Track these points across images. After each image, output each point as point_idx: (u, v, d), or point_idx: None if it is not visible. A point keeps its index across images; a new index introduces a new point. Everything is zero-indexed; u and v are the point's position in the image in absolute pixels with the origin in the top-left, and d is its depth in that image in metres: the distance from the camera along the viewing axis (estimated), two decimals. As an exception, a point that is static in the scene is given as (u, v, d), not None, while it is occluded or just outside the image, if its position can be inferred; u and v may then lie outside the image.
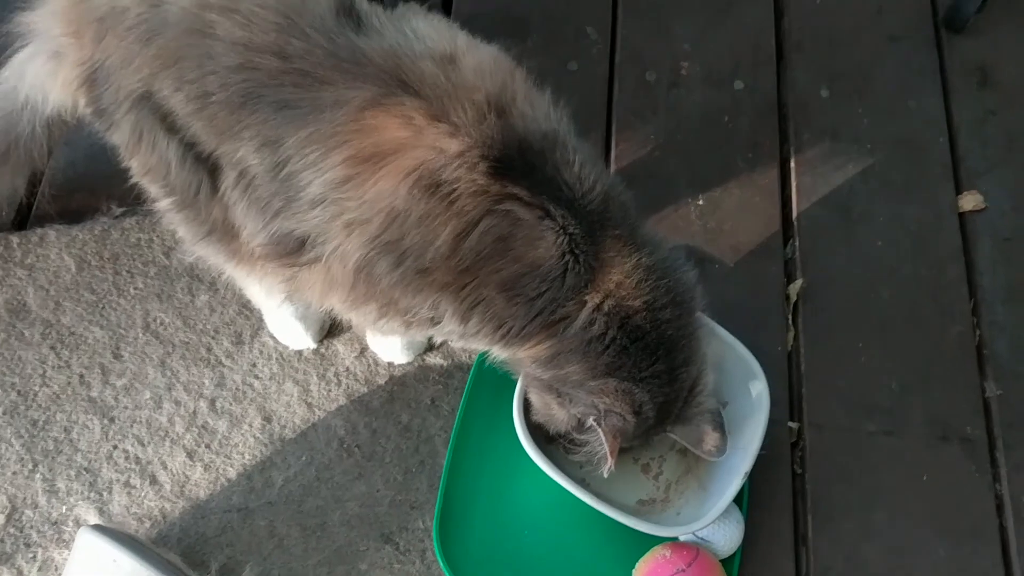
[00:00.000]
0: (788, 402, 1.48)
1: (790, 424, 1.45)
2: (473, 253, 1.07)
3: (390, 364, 1.47)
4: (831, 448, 1.44)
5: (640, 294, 1.12)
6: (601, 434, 1.15)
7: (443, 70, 1.07)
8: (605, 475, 1.19)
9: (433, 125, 1.04)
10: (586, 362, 1.14)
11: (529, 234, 1.07)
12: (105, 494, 1.36)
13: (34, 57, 1.26)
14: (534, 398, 1.26)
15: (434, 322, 1.15)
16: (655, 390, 1.16)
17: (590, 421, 1.17)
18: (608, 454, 1.15)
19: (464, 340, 1.19)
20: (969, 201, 1.66)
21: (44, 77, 1.26)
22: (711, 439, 1.22)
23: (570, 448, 1.25)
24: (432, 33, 1.12)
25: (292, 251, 1.14)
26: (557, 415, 1.23)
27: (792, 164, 1.69)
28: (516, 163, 1.06)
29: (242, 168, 1.12)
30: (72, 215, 1.57)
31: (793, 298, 1.56)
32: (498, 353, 1.20)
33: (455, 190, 1.04)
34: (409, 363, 1.47)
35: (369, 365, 1.46)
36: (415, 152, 1.04)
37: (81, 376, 1.44)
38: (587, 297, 1.11)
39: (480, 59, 1.11)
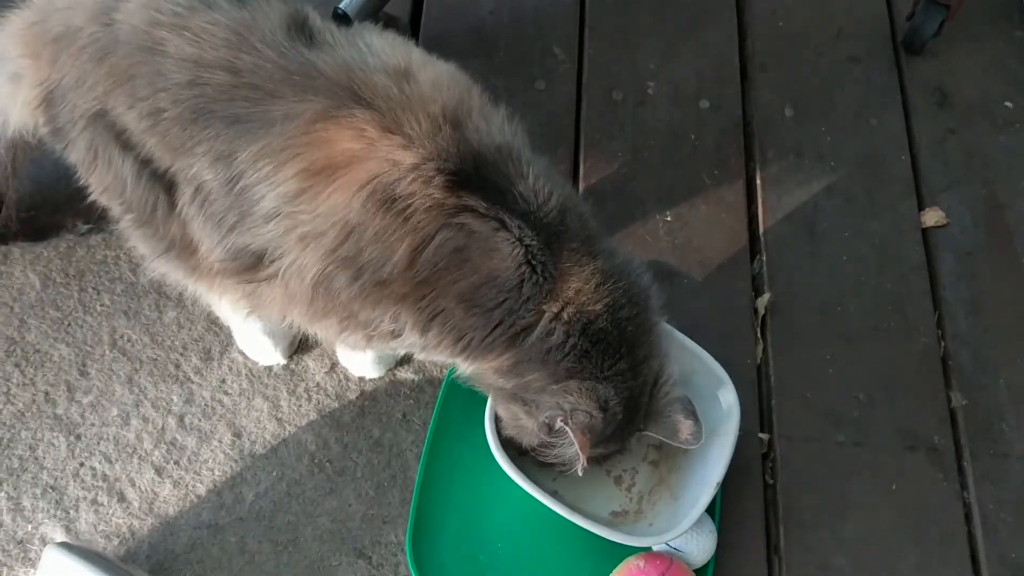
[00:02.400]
0: (758, 414, 1.49)
1: (760, 435, 1.47)
2: (430, 265, 1.07)
3: (361, 379, 1.46)
4: (801, 458, 1.45)
5: (600, 298, 1.13)
6: (570, 432, 1.15)
7: (397, 83, 1.08)
8: (580, 474, 1.19)
9: (386, 137, 1.04)
10: (546, 368, 1.15)
11: (484, 246, 1.07)
12: (72, 512, 1.33)
13: None
14: (502, 411, 1.26)
15: (395, 335, 1.15)
16: (619, 385, 1.16)
17: (558, 422, 1.17)
18: (579, 451, 1.15)
19: (427, 352, 1.19)
20: (931, 217, 1.70)
21: (3, 99, 1.26)
22: (685, 427, 1.23)
23: (542, 453, 1.25)
24: (386, 48, 1.13)
25: (249, 266, 1.14)
26: (526, 425, 1.23)
27: (758, 181, 1.72)
28: (471, 176, 1.06)
29: (197, 184, 1.12)
30: (37, 232, 1.55)
31: (761, 312, 1.58)
32: (462, 367, 1.20)
33: (410, 205, 1.04)
34: (380, 378, 1.46)
35: (340, 380, 1.46)
36: (368, 165, 1.04)
37: (46, 393, 1.42)
38: (545, 307, 1.12)
39: (437, 73, 1.12)
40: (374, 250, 1.06)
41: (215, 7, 1.11)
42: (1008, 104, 1.83)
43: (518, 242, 1.07)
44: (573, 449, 1.16)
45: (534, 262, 1.09)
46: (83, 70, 1.13)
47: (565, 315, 1.12)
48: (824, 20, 1.93)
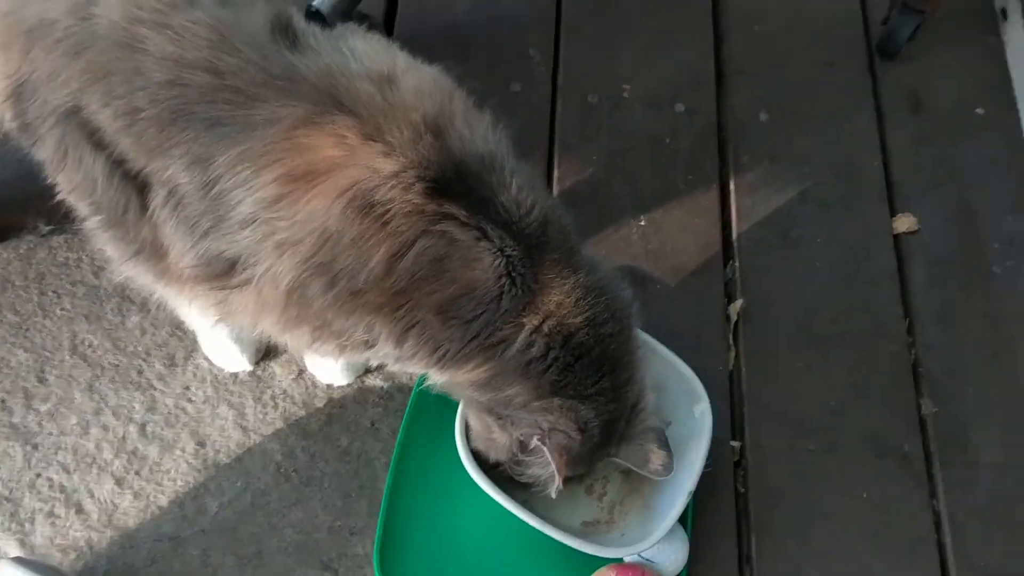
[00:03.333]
0: (730, 421, 1.48)
1: (732, 443, 1.46)
2: (408, 274, 1.05)
3: (329, 386, 1.44)
4: (772, 467, 1.45)
5: (580, 311, 1.11)
6: (547, 452, 1.13)
7: (380, 89, 1.06)
8: (553, 495, 1.18)
9: (367, 144, 1.02)
10: (527, 382, 1.13)
11: (465, 255, 1.05)
12: (27, 525, 1.30)
13: None
14: (473, 422, 1.24)
15: (369, 345, 1.13)
16: (600, 407, 1.15)
17: (534, 441, 1.15)
18: (556, 472, 1.14)
19: (401, 363, 1.17)
20: (903, 223, 1.70)
21: None
22: (657, 458, 1.22)
23: (513, 471, 1.23)
24: (370, 52, 1.11)
25: (222, 273, 1.11)
26: (498, 439, 1.21)
27: (732, 186, 1.71)
28: (453, 184, 1.04)
29: (171, 187, 1.09)
30: (-4, 233, 1.52)
31: (733, 318, 1.57)
32: (436, 377, 1.18)
33: (389, 210, 1.02)
34: (348, 385, 1.44)
35: (307, 387, 1.43)
36: (348, 171, 1.02)
37: (3, 401, 1.39)
38: (525, 319, 1.10)
39: (419, 80, 1.10)
40: (349, 256, 1.04)
41: (198, 5, 1.08)
42: (980, 111, 1.83)
43: (499, 252, 1.06)
44: (548, 470, 1.15)
45: (514, 274, 1.07)
46: (57, 64, 1.10)
47: (545, 327, 1.10)
48: (800, 24, 1.92)
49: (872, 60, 1.89)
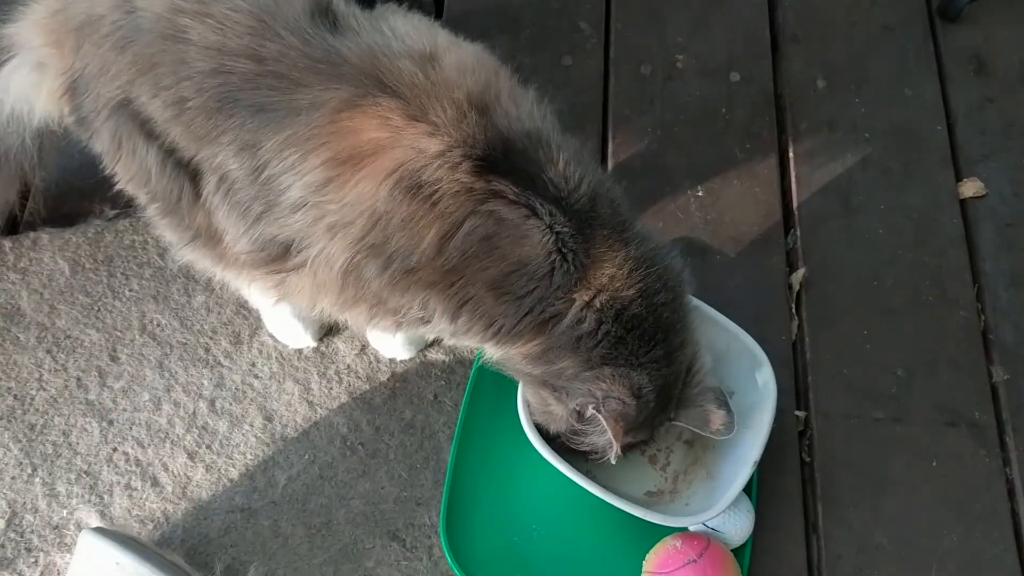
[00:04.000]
0: (794, 391, 1.46)
1: (796, 413, 1.44)
2: (459, 253, 1.05)
3: (391, 361, 1.45)
4: (839, 436, 1.43)
5: (633, 283, 1.11)
6: (603, 420, 1.13)
7: (422, 69, 1.06)
8: (613, 462, 1.18)
9: (412, 124, 1.03)
10: (578, 355, 1.13)
11: (514, 233, 1.05)
12: (106, 497, 1.33)
13: (18, 69, 1.26)
14: (531, 396, 1.25)
15: (424, 321, 1.14)
16: (654, 373, 1.14)
17: (589, 410, 1.15)
18: (612, 439, 1.14)
19: (456, 338, 1.18)
20: (969, 188, 1.66)
21: (29, 89, 1.25)
22: (717, 417, 1.20)
23: (572, 440, 1.23)
24: (411, 32, 1.11)
25: (277, 257, 1.13)
26: (555, 411, 1.21)
27: (791, 154, 1.68)
28: (499, 162, 1.04)
29: (222, 173, 1.11)
30: (65, 218, 1.55)
31: (796, 287, 1.55)
32: (491, 351, 1.19)
33: (437, 191, 1.03)
34: (410, 359, 1.45)
35: (370, 362, 1.45)
36: (394, 153, 1.03)
37: (78, 379, 1.42)
38: (576, 294, 1.10)
39: (462, 57, 1.10)
40: (401, 237, 1.05)
41: None
42: (1048, 70, 1.78)
43: (548, 229, 1.06)
44: (605, 437, 1.15)
45: (564, 250, 1.07)
46: (106, 59, 1.12)
47: (597, 302, 1.10)
48: (857, -12, 1.88)
49: (933, 23, 1.85)
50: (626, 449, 1.25)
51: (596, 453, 1.22)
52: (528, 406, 1.27)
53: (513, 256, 1.06)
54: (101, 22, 1.12)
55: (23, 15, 1.22)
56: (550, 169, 1.07)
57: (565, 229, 1.06)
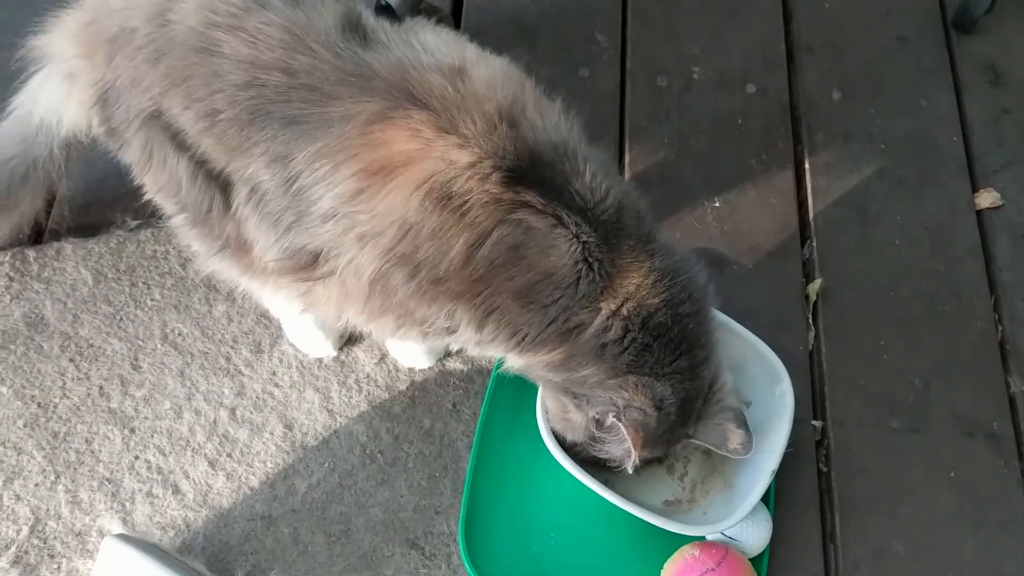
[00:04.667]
0: (811, 401, 1.47)
1: (814, 423, 1.45)
2: (487, 262, 1.06)
3: (411, 370, 1.46)
4: (856, 445, 1.43)
5: (658, 292, 1.12)
6: (622, 428, 1.14)
7: (451, 82, 1.07)
8: (630, 471, 1.18)
9: (442, 137, 1.04)
10: (603, 363, 1.13)
11: (541, 242, 1.06)
12: (128, 504, 1.35)
13: (48, 79, 1.28)
14: (550, 402, 1.25)
15: (450, 331, 1.15)
16: (677, 385, 1.15)
17: (610, 418, 1.16)
18: (631, 449, 1.14)
19: (480, 347, 1.18)
20: (986, 198, 1.66)
21: (58, 99, 1.27)
22: (736, 437, 1.21)
23: (591, 448, 1.23)
24: (440, 46, 1.13)
25: (306, 265, 1.14)
26: (574, 419, 1.22)
27: (807, 165, 1.69)
28: (528, 173, 1.05)
29: (253, 184, 1.12)
30: (88, 228, 1.57)
31: (813, 298, 1.56)
32: (514, 361, 1.20)
33: (467, 201, 1.04)
34: (429, 368, 1.46)
35: (390, 371, 1.46)
36: (425, 164, 1.04)
37: (101, 388, 1.44)
38: (602, 304, 1.11)
39: (490, 71, 1.11)
40: (430, 247, 1.06)
41: (270, 7, 1.11)
42: (1064, 81, 1.79)
43: (575, 239, 1.07)
44: (624, 446, 1.15)
45: (591, 259, 1.08)
46: (138, 71, 1.14)
47: (624, 311, 1.11)
48: (871, 0, 1.89)
49: (947, 34, 1.86)
50: (642, 464, 1.26)
51: (614, 463, 1.22)
52: (547, 413, 1.27)
53: (540, 266, 1.07)
54: (134, 34, 1.14)
55: (54, 27, 1.24)
56: (576, 180, 1.08)
57: (591, 239, 1.07)
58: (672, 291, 1.13)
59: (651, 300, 1.12)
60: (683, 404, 1.17)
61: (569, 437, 1.26)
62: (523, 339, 1.13)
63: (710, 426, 1.21)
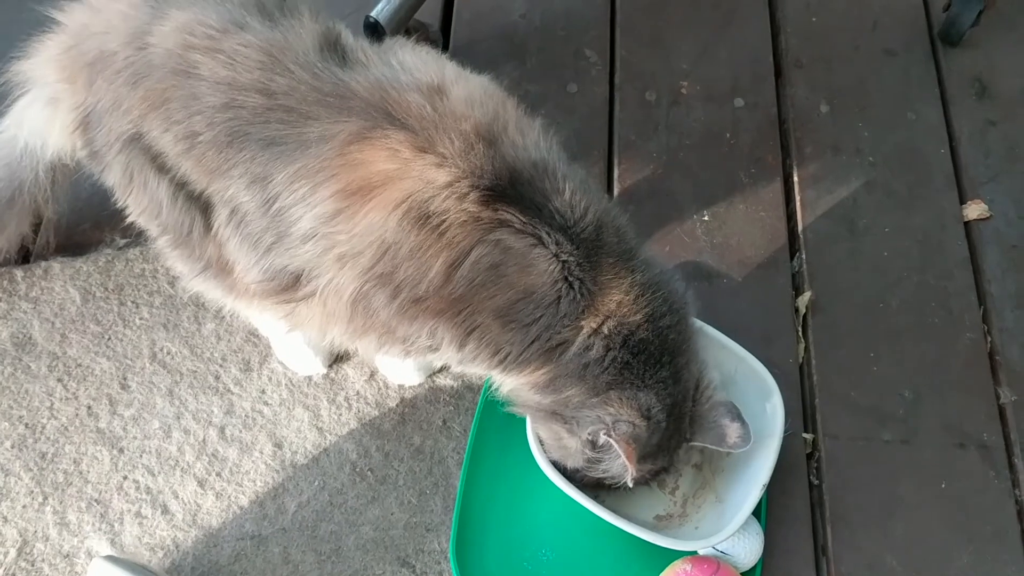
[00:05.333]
0: (802, 413, 1.47)
1: (805, 435, 1.44)
2: (466, 281, 1.06)
3: (400, 386, 1.46)
4: (847, 458, 1.43)
5: (640, 308, 1.12)
6: (614, 444, 1.14)
7: (430, 101, 1.07)
8: (630, 486, 1.18)
9: (420, 156, 1.04)
10: (584, 383, 1.13)
11: (521, 262, 1.07)
12: (116, 525, 1.34)
13: (32, 104, 1.28)
14: (543, 432, 1.25)
15: (432, 348, 1.15)
16: (661, 392, 1.15)
17: (602, 437, 1.16)
18: (626, 463, 1.14)
19: (463, 365, 1.18)
20: (974, 210, 1.67)
21: (42, 123, 1.27)
22: (733, 431, 1.20)
23: (593, 470, 1.23)
24: (419, 64, 1.13)
25: (287, 287, 1.14)
26: (569, 445, 1.21)
27: (795, 178, 1.70)
28: (507, 191, 1.06)
29: (233, 205, 1.12)
30: (76, 247, 1.57)
31: (802, 310, 1.56)
32: (498, 379, 1.20)
33: (445, 220, 1.04)
34: (419, 385, 1.46)
35: (379, 388, 1.45)
36: (403, 184, 1.04)
37: (89, 407, 1.43)
38: (583, 322, 1.11)
39: (470, 89, 1.12)
40: (410, 267, 1.06)
41: (248, 28, 1.11)
42: (1049, 93, 1.80)
43: (555, 258, 1.07)
44: (620, 461, 1.15)
45: (571, 278, 1.08)
46: (118, 94, 1.14)
47: (605, 329, 1.11)
48: (859, 14, 1.90)
49: (935, 47, 1.87)
50: (650, 478, 1.26)
51: (614, 479, 1.22)
52: (542, 445, 1.27)
53: (520, 284, 1.07)
54: (114, 58, 1.14)
55: (37, 51, 1.24)
56: (556, 199, 1.08)
57: (571, 258, 1.08)
58: (653, 305, 1.13)
59: (633, 317, 1.12)
60: (672, 409, 1.17)
61: (569, 464, 1.25)
62: (505, 357, 1.13)
63: (705, 425, 1.21)
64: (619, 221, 1.16)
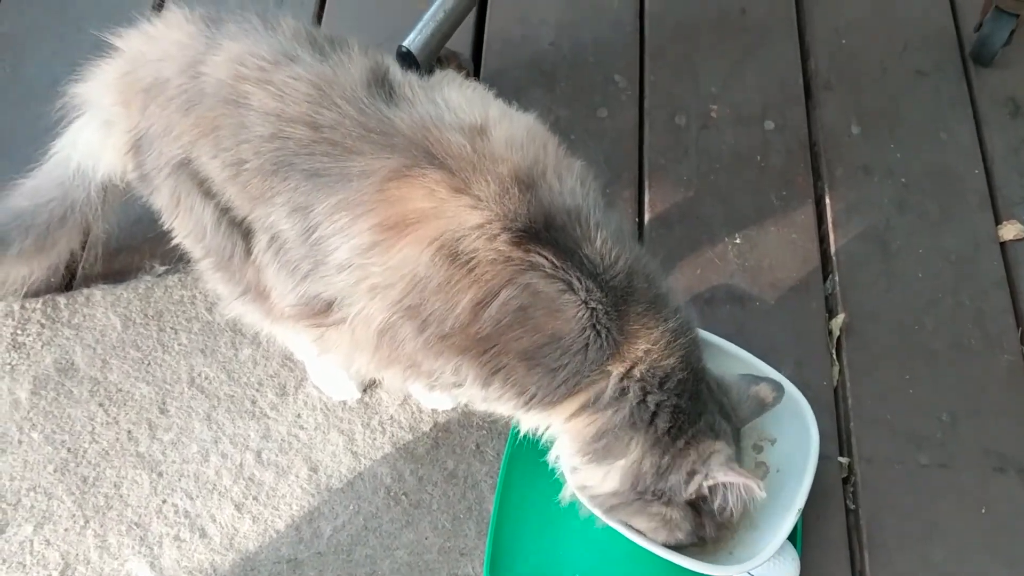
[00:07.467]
0: (837, 436, 1.46)
1: (840, 459, 1.43)
2: (493, 321, 1.08)
3: (433, 411, 1.47)
4: (884, 482, 1.41)
5: (673, 352, 1.13)
6: (725, 478, 1.14)
7: (471, 141, 1.09)
8: (764, 495, 1.16)
9: (456, 197, 1.06)
10: (636, 431, 1.14)
11: (549, 306, 1.08)
12: (156, 548, 1.36)
13: (87, 126, 1.33)
14: (641, 525, 1.23)
15: (456, 385, 1.16)
16: (712, 413, 1.18)
17: (705, 485, 1.15)
18: (744, 481, 1.14)
19: (487, 404, 1.19)
20: (1009, 231, 1.65)
21: (95, 144, 1.32)
22: (764, 391, 1.24)
23: (718, 520, 1.22)
24: (464, 104, 1.15)
25: (319, 312, 1.17)
26: (673, 516, 1.20)
27: (827, 200, 1.69)
28: (540, 235, 1.07)
29: (273, 232, 1.15)
30: (116, 275, 1.60)
31: (836, 333, 1.55)
32: (524, 420, 1.20)
33: (474, 258, 1.06)
34: (452, 409, 1.47)
35: (413, 412, 1.47)
36: (437, 223, 1.06)
37: (129, 432, 1.46)
38: (610, 367, 1.12)
39: (512, 130, 1.13)
40: (437, 301, 1.08)
41: (298, 61, 1.14)
42: (1085, 112, 1.78)
43: (583, 304, 1.08)
44: (736, 491, 1.15)
45: (599, 326, 1.09)
46: (170, 120, 1.17)
47: (636, 372, 1.12)
48: (889, 35, 1.90)
49: (966, 67, 1.86)
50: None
51: (735, 516, 1.22)
52: (643, 538, 1.24)
53: (547, 329, 1.09)
54: (167, 85, 1.17)
55: (94, 75, 1.29)
56: (587, 246, 1.09)
57: (600, 305, 1.09)
58: (687, 348, 1.15)
59: (666, 361, 1.13)
60: (726, 416, 1.21)
61: (683, 538, 1.23)
62: (531, 399, 1.14)
63: (743, 406, 1.24)
64: (650, 268, 1.16)
